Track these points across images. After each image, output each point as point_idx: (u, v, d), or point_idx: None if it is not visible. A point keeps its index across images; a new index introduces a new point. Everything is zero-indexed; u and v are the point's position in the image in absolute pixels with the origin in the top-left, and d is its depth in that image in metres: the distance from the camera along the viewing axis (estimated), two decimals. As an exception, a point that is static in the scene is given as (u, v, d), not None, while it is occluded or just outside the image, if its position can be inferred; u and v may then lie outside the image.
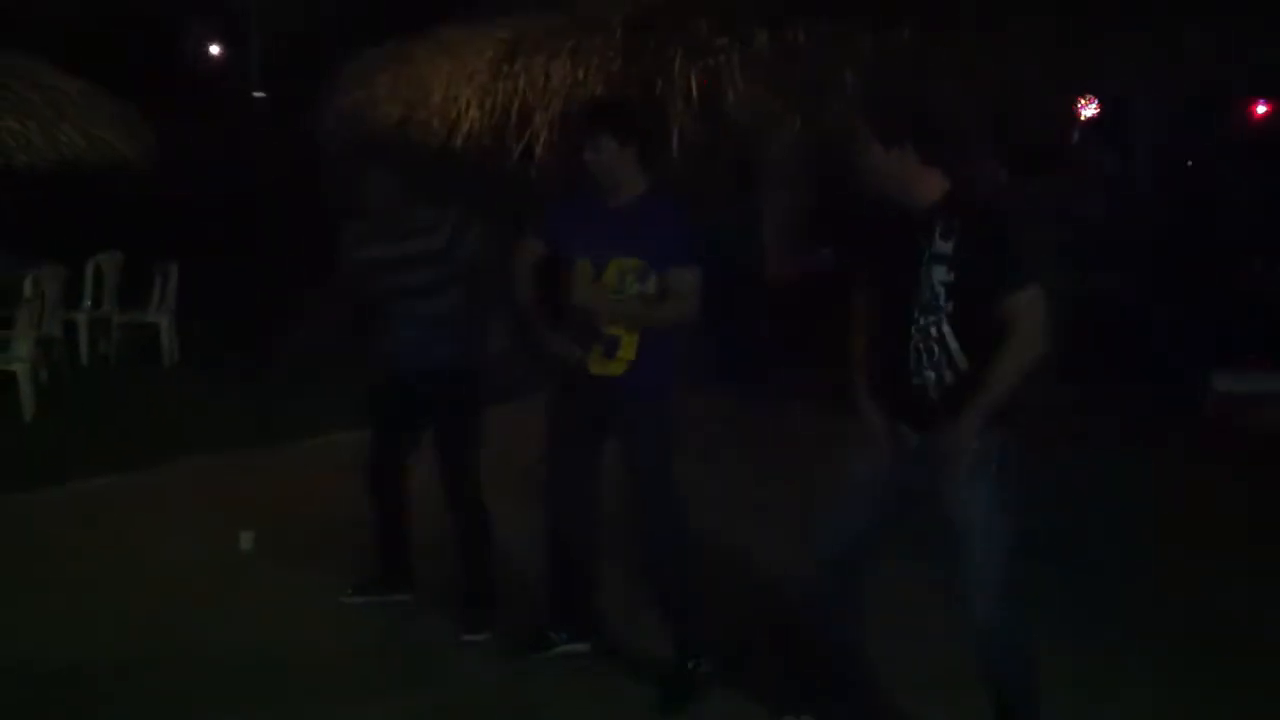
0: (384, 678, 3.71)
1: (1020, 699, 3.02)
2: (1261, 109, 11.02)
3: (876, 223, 3.08)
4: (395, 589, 4.20)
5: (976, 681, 3.04)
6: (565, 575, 3.74)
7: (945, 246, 2.85)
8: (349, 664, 3.80)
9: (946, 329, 2.89)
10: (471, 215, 3.93)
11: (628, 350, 3.41)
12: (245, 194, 11.18)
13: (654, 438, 3.48)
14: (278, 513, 5.07)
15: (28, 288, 7.09)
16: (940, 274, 2.85)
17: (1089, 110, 10.85)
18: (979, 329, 2.86)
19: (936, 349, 2.90)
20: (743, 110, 6.60)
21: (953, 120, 3.16)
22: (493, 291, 3.83)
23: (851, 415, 3.10)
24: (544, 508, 3.69)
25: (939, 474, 2.90)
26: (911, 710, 3.35)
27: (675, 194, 3.56)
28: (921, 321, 2.90)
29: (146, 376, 8.36)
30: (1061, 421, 5.48)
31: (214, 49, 16.02)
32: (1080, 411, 6.27)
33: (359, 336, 4.06)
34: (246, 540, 4.77)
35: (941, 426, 2.88)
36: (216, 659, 3.81)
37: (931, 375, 2.91)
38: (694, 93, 6.50)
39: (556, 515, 3.67)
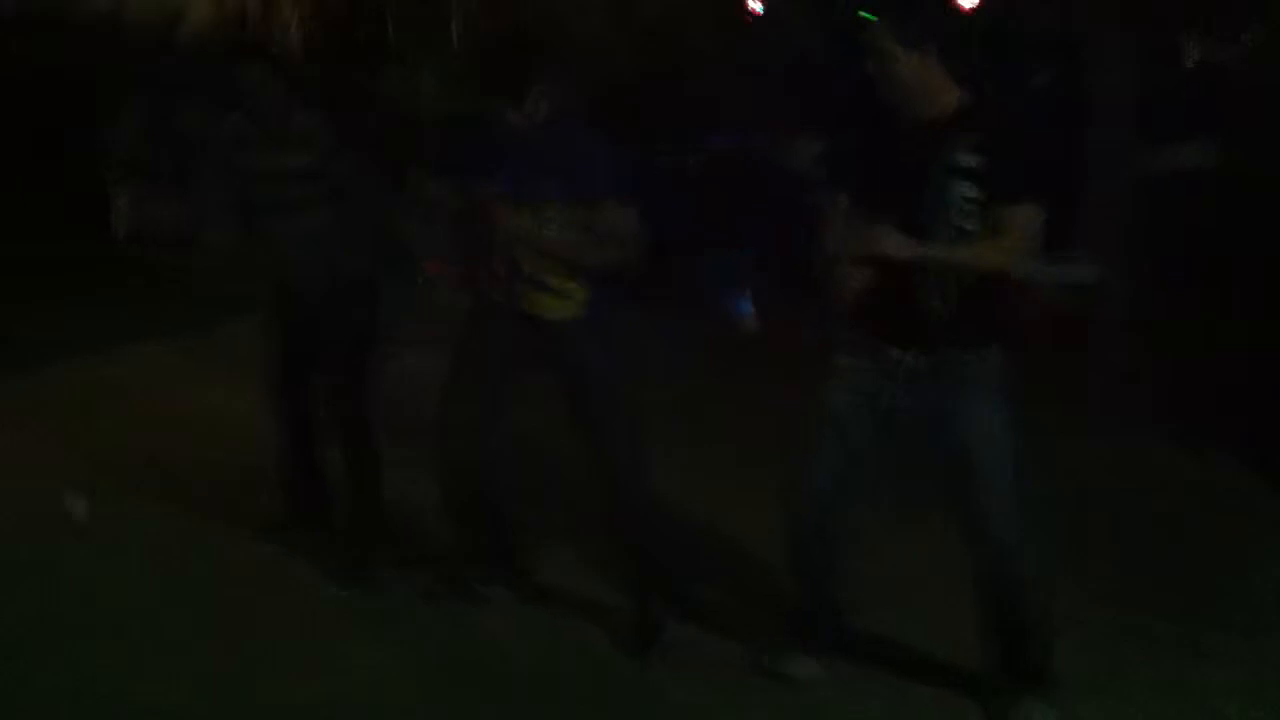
0: (325, 626, 3.64)
1: (1037, 623, 2.99)
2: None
3: (871, 136, 2.87)
4: (312, 527, 4.03)
5: (982, 623, 3.04)
6: (478, 519, 3.61)
7: (970, 160, 2.66)
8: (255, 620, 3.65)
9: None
10: (344, 132, 3.74)
11: (577, 291, 3.26)
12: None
13: (607, 376, 3.34)
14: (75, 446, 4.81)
15: None
16: (964, 189, 2.66)
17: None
18: None
19: (946, 272, 2.74)
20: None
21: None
22: (366, 216, 3.70)
23: (834, 344, 2.99)
24: (445, 448, 3.49)
25: (946, 395, 2.83)
26: (900, 658, 3.32)
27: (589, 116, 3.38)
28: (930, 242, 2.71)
29: None
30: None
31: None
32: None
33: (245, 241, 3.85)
34: (79, 508, 4.21)
35: (950, 349, 2.78)
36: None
37: (938, 300, 2.76)
38: None
39: (462, 453, 3.47)
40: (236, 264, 3.88)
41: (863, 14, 2.81)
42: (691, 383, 5.50)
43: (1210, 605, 3.68)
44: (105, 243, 7.70)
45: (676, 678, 3.28)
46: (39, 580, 4.04)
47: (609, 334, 3.32)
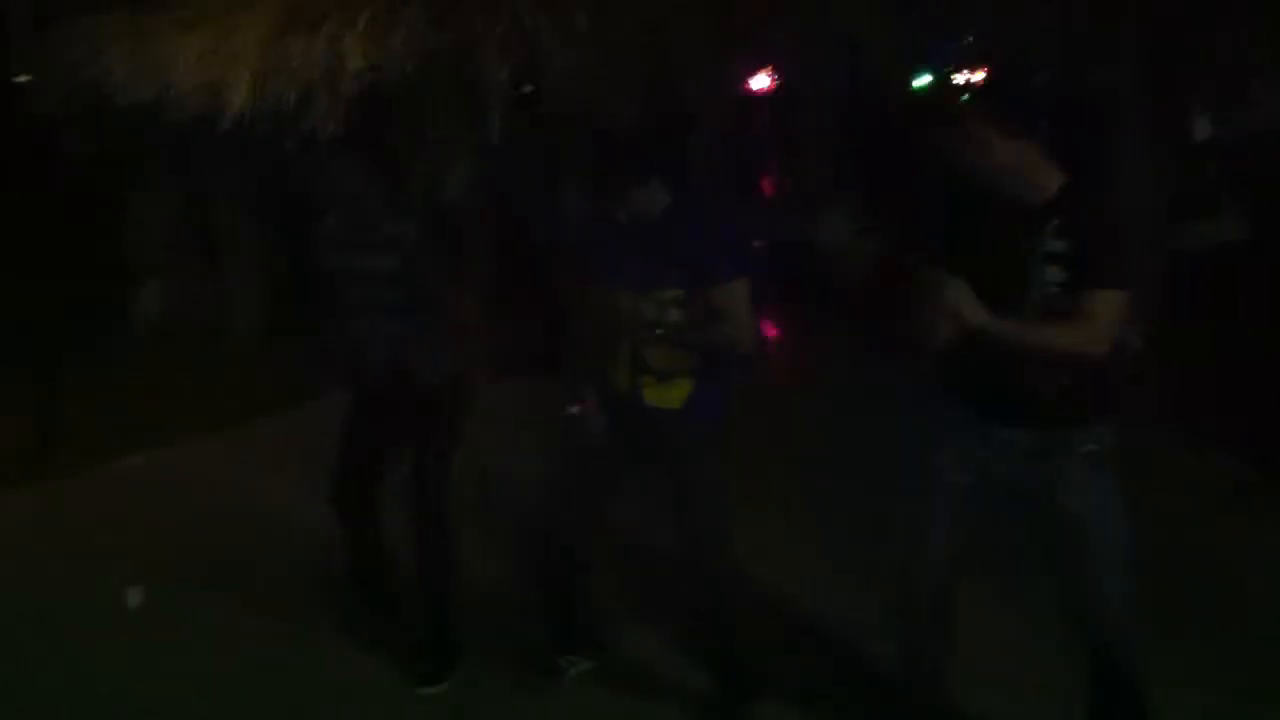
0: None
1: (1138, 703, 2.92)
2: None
3: (965, 214, 2.80)
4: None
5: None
6: (565, 595, 3.51)
7: (1059, 245, 2.63)
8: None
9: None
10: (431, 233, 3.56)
11: (684, 379, 3.15)
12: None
13: (707, 468, 3.21)
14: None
15: None
16: (1054, 275, 2.63)
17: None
18: None
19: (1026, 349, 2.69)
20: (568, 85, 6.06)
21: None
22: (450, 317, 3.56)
23: (932, 418, 2.93)
24: (544, 525, 3.40)
25: (1057, 472, 2.78)
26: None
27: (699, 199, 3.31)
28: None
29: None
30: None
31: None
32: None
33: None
34: (134, 595, 4.01)
35: (1058, 426, 2.75)
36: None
37: (1044, 378, 2.72)
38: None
39: (561, 532, 3.39)
40: (266, 355, 3.69)
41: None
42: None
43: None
44: (132, 333, 7.56)
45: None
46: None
47: (718, 424, 3.22)
